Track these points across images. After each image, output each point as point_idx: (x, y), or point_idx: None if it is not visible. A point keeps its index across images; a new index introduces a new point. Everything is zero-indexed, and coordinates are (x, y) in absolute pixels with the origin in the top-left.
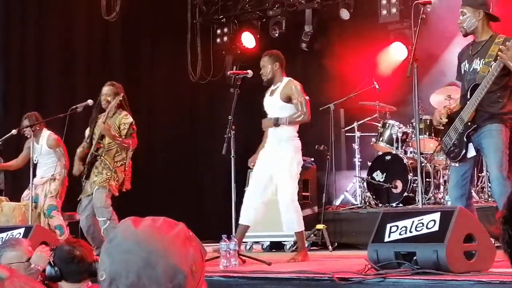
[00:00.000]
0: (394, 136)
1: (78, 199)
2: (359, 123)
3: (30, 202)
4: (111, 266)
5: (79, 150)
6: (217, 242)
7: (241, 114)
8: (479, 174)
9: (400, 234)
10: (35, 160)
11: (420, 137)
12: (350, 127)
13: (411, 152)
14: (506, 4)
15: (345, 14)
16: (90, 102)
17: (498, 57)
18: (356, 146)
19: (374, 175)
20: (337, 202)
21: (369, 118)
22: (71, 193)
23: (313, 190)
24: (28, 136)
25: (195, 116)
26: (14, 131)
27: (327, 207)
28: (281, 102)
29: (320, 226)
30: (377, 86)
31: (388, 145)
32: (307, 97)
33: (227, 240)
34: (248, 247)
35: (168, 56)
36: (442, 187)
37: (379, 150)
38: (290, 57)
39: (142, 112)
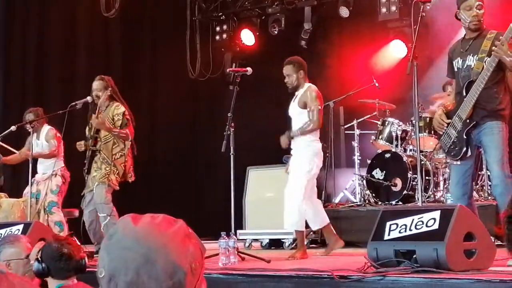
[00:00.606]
0: (394, 134)
1: (82, 194)
2: (358, 120)
3: (29, 198)
4: (110, 263)
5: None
6: (216, 240)
7: (240, 111)
8: (479, 173)
9: (399, 232)
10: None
11: (419, 135)
12: (349, 124)
13: (410, 150)
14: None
15: (344, 11)
16: (89, 98)
17: (493, 52)
18: (355, 143)
19: (374, 173)
20: (337, 200)
21: (369, 116)
22: (70, 189)
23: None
24: (30, 131)
25: (194, 113)
26: (13, 128)
27: (327, 205)
28: (299, 108)
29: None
30: (376, 84)
31: (387, 143)
32: (319, 106)
33: (226, 238)
34: (247, 244)
35: (167, 53)
36: (441, 185)
37: (379, 148)
38: (289, 54)
39: (141, 109)
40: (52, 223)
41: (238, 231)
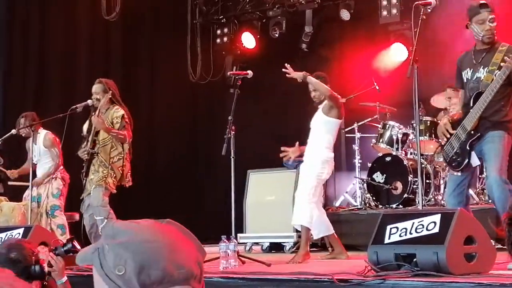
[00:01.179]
0: (395, 137)
1: (80, 198)
2: (359, 124)
3: (29, 202)
4: (136, 257)
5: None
6: (217, 243)
7: (241, 114)
8: (480, 176)
9: (400, 235)
10: (36, 161)
11: (420, 139)
12: (350, 128)
13: (411, 153)
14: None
15: (345, 14)
16: (90, 102)
17: (504, 65)
18: (356, 147)
19: (374, 176)
20: (337, 203)
21: (369, 119)
22: (70, 192)
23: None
24: (23, 135)
25: (195, 116)
26: (13, 131)
27: (327, 208)
28: (325, 116)
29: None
30: (377, 87)
31: (388, 146)
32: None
33: (227, 241)
34: (247, 248)
35: (168, 56)
36: (442, 188)
37: (379, 151)
38: (290, 57)
39: (142, 112)
40: (55, 226)
41: (239, 235)
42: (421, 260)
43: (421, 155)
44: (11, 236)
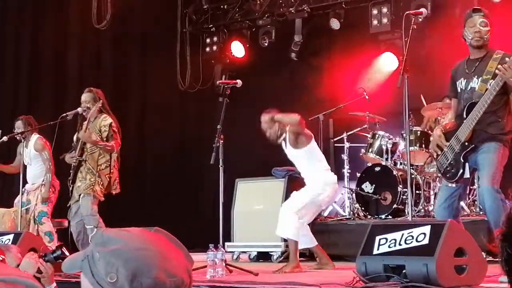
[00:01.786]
0: (384, 147)
1: (68, 205)
2: (348, 133)
3: (19, 208)
4: (127, 264)
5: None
6: (204, 251)
7: (230, 123)
8: (471, 187)
9: (389, 246)
10: (26, 163)
11: (410, 149)
12: (339, 137)
13: (401, 164)
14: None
15: (335, 24)
16: (80, 110)
17: (498, 73)
18: (345, 156)
19: (363, 186)
20: (325, 213)
21: (359, 128)
22: (59, 199)
23: None
24: (18, 139)
25: (184, 125)
26: (5, 138)
27: (315, 218)
28: (298, 150)
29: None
30: (367, 97)
31: (377, 156)
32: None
33: (214, 250)
34: (235, 256)
35: (157, 64)
36: (432, 199)
37: (369, 161)
38: (279, 66)
39: (131, 121)
40: (42, 233)
41: (226, 243)
42: (410, 272)
43: (411, 165)
44: (1, 242)
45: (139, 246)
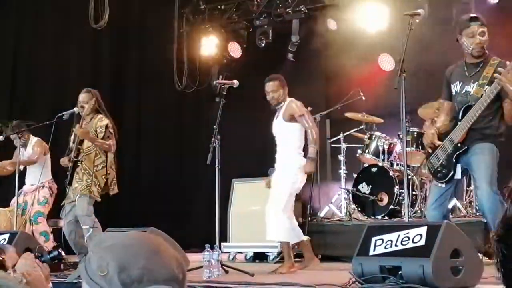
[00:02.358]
0: (381, 148)
1: (61, 204)
2: (345, 134)
3: (15, 208)
4: (116, 258)
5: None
6: (201, 251)
7: (227, 123)
8: (467, 188)
9: (385, 247)
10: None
11: (407, 150)
12: (336, 138)
13: (397, 165)
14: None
15: (332, 24)
16: (76, 110)
17: (496, 79)
18: (341, 157)
19: (360, 187)
20: (322, 213)
21: (356, 129)
22: (56, 200)
23: (297, 201)
24: (15, 144)
25: (181, 124)
26: (0, 137)
27: (312, 218)
28: (285, 122)
29: (304, 238)
30: (363, 98)
31: (374, 157)
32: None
33: (211, 250)
34: (231, 257)
35: (154, 64)
36: None
37: (365, 162)
38: (276, 67)
39: (128, 120)
40: (37, 233)
41: (223, 244)
42: (406, 273)
43: (408, 166)
44: None
45: (131, 242)
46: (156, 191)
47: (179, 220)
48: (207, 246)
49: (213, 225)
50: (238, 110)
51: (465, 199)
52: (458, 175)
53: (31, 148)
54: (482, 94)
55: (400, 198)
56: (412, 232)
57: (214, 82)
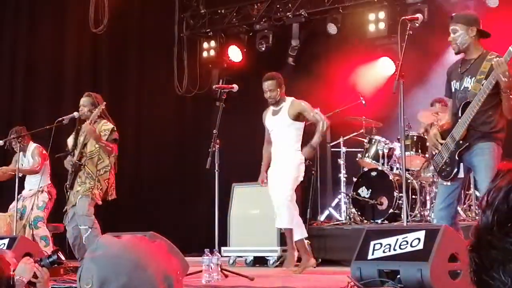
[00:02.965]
0: (380, 152)
1: (64, 210)
2: (345, 138)
3: (15, 213)
4: (100, 271)
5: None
6: (200, 255)
7: (227, 128)
8: (466, 192)
9: (384, 251)
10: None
11: (406, 154)
12: (335, 142)
13: (397, 169)
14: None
15: (332, 28)
16: (76, 114)
17: (493, 63)
18: (341, 161)
19: (360, 191)
20: (322, 217)
21: (355, 133)
22: (56, 204)
23: (297, 205)
24: (15, 150)
25: (181, 129)
26: (0, 142)
27: (312, 222)
28: (290, 119)
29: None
30: (363, 102)
31: (374, 161)
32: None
33: (210, 255)
34: (231, 261)
35: (154, 68)
36: (428, 204)
37: (365, 166)
38: (277, 71)
39: (128, 125)
40: (38, 238)
41: (223, 248)
42: (404, 276)
43: (407, 170)
44: None
45: (117, 253)
46: (156, 195)
47: (179, 224)
48: (206, 250)
49: (213, 229)
50: (238, 114)
51: (464, 203)
52: (461, 174)
53: (31, 155)
54: (480, 89)
55: (400, 202)
56: (410, 236)
57: (214, 87)
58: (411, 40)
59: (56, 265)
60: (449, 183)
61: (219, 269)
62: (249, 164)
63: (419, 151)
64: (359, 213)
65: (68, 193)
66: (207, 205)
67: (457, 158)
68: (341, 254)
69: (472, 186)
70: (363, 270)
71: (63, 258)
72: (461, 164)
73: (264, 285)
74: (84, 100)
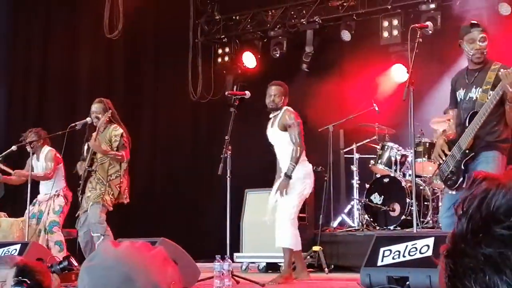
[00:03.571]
0: (393, 159)
1: (76, 215)
2: (358, 144)
3: (27, 218)
4: (90, 282)
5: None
6: (212, 261)
7: (240, 134)
8: None
9: (393, 258)
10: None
11: (419, 160)
12: (349, 148)
13: (409, 175)
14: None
15: (346, 35)
16: (89, 120)
17: (500, 73)
18: (354, 167)
19: (372, 197)
20: (335, 224)
21: (368, 140)
22: (69, 209)
23: (310, 211)
24: (28, 151)
25: (195, 135)
26: (14, 147)
27: (324, 228)
28: (280, 131)
29: (316, 248)
30: (376, 108)
31: (386, 168)
32: (299, 127)
33: (221, 261)
34: (244, 267)
35: (169, 74)
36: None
37: (378, 172)
38: (291, 77)
39: (142, 131)
40: (52, 243)
41: (235, 254)
42: (414, 283)
43: (420, 177)
44: (8, 252)
45: (109, 265)
46: (169, 200)
47: (191, 230)
48: (217, 256)
49: (225, 235)
50: (251, 120)
51: None
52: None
53: (44, 159)
54: (487, 100)
55: (412, 208)
56: (419, 243)
57: (226, 93)
58: (425, 47)
59: (67, 271)
60: (454, 192)
61: (230, 275)
62: (261, 170)
63: (432, 157)
64: (371, 219)
65: (80, 198)
66: (219, 211)
67: (462, 167)
68: (354, 261)
69: None
70: (373, 276)
71: (75, 263)
72: (467, 173)
73: None
74: (95, 106)
